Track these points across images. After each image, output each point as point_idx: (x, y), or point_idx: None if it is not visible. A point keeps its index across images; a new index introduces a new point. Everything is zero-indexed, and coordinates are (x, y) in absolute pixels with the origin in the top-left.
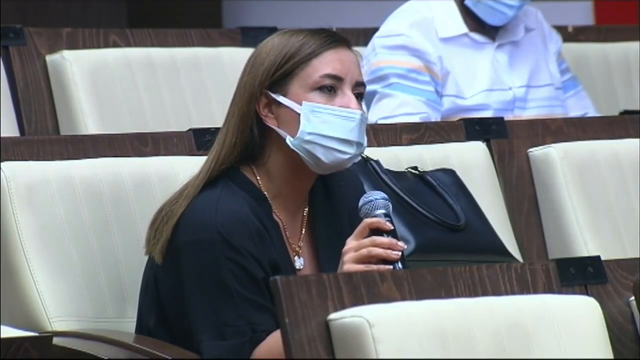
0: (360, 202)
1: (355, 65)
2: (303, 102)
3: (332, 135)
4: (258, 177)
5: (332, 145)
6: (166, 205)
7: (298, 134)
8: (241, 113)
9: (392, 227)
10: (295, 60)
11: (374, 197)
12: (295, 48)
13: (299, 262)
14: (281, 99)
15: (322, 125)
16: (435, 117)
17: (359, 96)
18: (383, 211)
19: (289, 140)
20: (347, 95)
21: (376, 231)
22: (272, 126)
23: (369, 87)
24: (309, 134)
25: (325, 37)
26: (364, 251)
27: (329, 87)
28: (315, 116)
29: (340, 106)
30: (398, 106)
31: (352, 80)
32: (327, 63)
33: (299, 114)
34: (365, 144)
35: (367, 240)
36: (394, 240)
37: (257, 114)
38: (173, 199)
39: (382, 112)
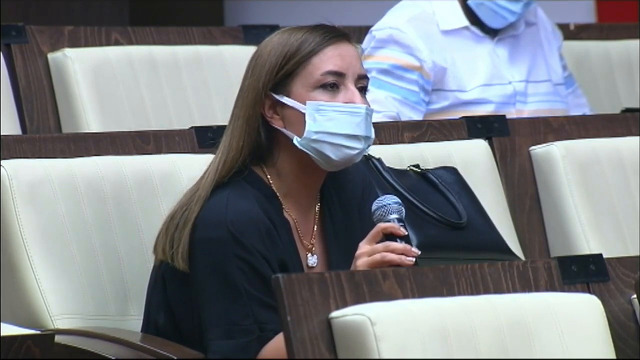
0: (374, 207)
1: (356, 58)
2: (307, 101)
3: (339, 132)
4: (268, 176)
5: (340, 141)
6: (178, 212)
7: (305, 134)
8: (246, 116)
9: (406, 233)
10: (296, 60)
11: (388, 202)
12: (295, 47)
13: (312, 260)
14: (285, 99)
15: (328, 122)
16: (411, 116)
17: (363, 89)
18: (396, 216)
19: (296, 140)
20: (351, 90)
21: (389, 236)
22: (279, 127)
23: None
24: (316, 132)
25: (324, 33)
26: (377, 256)
27: (332, 84)
28: (320, 114)
29: (345, 102)
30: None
31: (354, 74)
32: (328, 60)
33: (304, 114)
34: (373, 136)
35: (380, 246)
36: (408, 246)
37: (263, 116)
38: (183, 204)
39: None
